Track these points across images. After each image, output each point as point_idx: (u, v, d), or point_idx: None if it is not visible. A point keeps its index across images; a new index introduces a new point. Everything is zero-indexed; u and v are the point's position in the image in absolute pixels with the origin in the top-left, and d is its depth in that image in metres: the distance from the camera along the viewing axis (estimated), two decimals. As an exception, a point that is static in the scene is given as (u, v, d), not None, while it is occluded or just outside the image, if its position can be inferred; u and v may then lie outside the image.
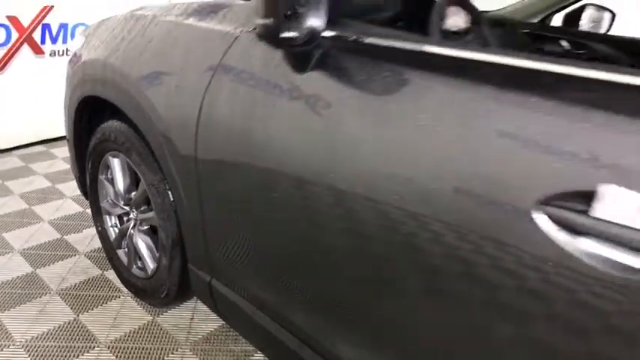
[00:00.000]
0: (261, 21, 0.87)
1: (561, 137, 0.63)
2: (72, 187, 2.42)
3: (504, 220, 0.66)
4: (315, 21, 0.89)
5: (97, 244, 1.91)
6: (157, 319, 1.63)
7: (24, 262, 1.88)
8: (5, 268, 1.83)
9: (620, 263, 0.58)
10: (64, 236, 2.07)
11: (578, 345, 0.63)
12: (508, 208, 0.66)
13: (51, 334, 1.52)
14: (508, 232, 0.66)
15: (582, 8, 2.11)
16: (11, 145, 2.95)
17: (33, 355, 1.43)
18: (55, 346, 1.47)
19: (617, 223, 0.57)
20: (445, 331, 0.79)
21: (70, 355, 1.45)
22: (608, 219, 0.58)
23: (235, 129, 1.07)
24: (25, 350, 1.45)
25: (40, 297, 1.70)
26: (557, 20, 2.21)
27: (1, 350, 1.45)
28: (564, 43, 1.86)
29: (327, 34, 0.92)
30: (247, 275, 1.19)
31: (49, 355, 1.44)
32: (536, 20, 2.10)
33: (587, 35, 1.91)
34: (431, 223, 0.74)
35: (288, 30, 0.87)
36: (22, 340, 1.50)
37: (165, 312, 1.66)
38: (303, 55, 0.93)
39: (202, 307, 1.68)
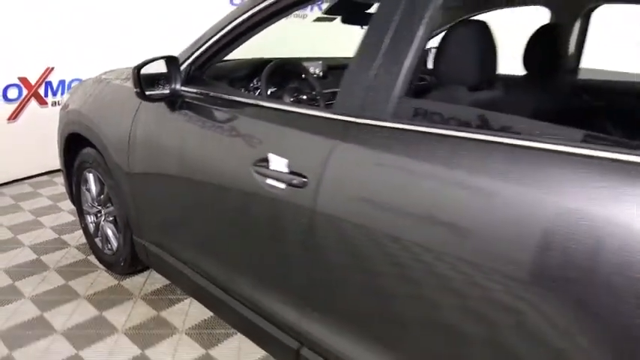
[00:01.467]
0: (134, 89, 1.65)
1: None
2: (68, 204, 3.20)
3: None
4: (176, 85, 1.67)
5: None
6: None
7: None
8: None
9: (273, 185, 1.33)
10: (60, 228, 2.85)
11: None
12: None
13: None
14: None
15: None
16: (23, 176, 3.77)
17: None
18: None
19: (274, 170, 1.33)
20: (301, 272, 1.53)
21: None
22: (272, 168, 1.33)
23: (146, 145, 1.85)
24: None
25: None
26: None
27: None
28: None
29: (185, 89, 1.70)
30: (166, 237, 1.95)
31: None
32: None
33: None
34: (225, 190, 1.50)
35: (160, 91, 1.65)
36: None
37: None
38: (172, 102, 1.72)
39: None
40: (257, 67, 2.07)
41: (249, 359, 1.89)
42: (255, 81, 2.09)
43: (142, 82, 1.60)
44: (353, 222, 1.17)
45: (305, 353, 1.39)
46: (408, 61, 1.13)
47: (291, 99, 2.02)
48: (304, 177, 1.25)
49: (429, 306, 1.06)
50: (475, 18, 1.58)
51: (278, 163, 1.31)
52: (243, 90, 2.06)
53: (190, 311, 2.18)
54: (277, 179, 1.31)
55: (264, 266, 1.49)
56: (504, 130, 1.01)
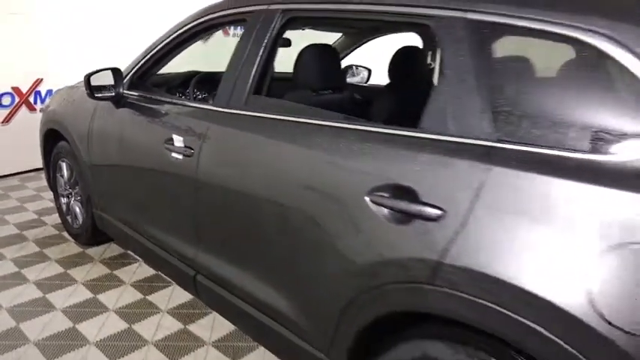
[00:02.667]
0: (86, 91, 2.24)
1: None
2: (49, 194, 3.75)
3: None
4: (120, 88, 2.25)
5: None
6: None
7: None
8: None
9: (174, 156, 1.90)
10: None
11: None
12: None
13: None
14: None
15: (348, 67, 3.49)
16: (14, 172, 4.35)
17: None
18: None
19: (176, 145, 1.90)
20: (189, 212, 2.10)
21: None
22: (174, 145, 1.90)
23: (99, 136, 2.43)
24: None
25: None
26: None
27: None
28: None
29: (128, 92, 2.29)
30: (112, 205, 2.51)
31: None
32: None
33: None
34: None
35: (108, 93, 2.24)
36: None
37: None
38: (118, 101, 2.30)
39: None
40: (191, 77, 2.67)
41: (179, 300, 2.44)
42: (191, 88, 2.67)
43: (92, 86, 2.19)
44: (222, 180, 1.73)
45: (199, 278, 1.94)
46: (255, 72, 1.71)
47: (211, 100, 2.60)
48: (192, 149, 1.82)
49: (272, 238, 1.58)
50: (321, 42, 2.15)
51: (178, 141, 1.88)
52: (179, 94, 2.65)
53: (138, 270, 2.73)
54: (177, 152, 1.88)
55: (171, 216, 2.05)
56: (315, 117, 1.53)
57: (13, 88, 4.25)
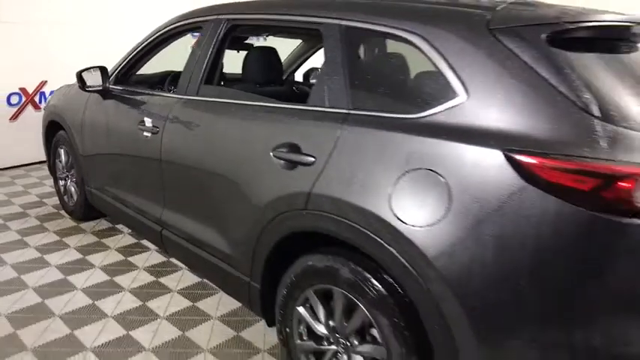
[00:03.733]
0: (78, 84, 2.75)
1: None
2: (51, 182, 4.25)
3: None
4: (106, 83, 2.76)
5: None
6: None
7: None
8: (10, 209, 3.66)
9: (145, 135, 2.39)
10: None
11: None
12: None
13: None
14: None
15: (311, 70, 3.98)
16: (20, 163, 4.87)
17: None
18: None
19: (146, 126, 2.39)
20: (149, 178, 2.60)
21: None
22: (145, 125, 2.40)
23: (90, 123, 2.93)
24: None
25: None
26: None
27: None
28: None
29: (113, 86, 2.79)
30: (99, 181, 3.01)
31: None
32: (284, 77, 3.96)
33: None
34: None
35: (96, 87, 2.74)
36: None
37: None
38: (105, 93, 2.80)
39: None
40: (168, 75, 3.17)
41: (154, 260, 2.92)
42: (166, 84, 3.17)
43: (83, 80, 2.70)
44: (179, 151, 2.22)
45: (164, 233, 2.42)
46: (205, 67, 2.21)
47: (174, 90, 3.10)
48: (157, 128, 2.31)
49: (212, 192, 2.06)
50: (264, 45, 2.64)
51: (148, 122, 2.38)
52: (157, 89, 3.14)
53: (122, 239, 3.21)
54: (146, 131, 2.38)
55: (143, 184, 2.54)
56: (244, 100, 2.03)
57: (20, 88, 4.78)
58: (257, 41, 6.12)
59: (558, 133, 1.20)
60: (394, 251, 1.37)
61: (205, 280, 2.67)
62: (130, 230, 3.33)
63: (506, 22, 1.38)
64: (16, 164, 4.87)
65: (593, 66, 1.33)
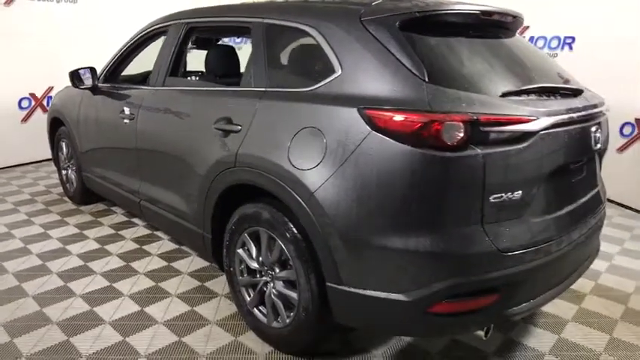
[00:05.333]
0: (70, 83, 3.25)
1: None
2: (57, 176, 4.76)
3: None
4: (95, 81, 3.25)
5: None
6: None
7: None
8: (20, 197, 4.19)
9: (125, 121, 2.87)
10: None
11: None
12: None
13: None
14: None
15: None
16: (29, 161, 5.41)
17: None
18: None
19: (125, 114, 2.87)
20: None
21: None
22: (125, 113, 2.87)
23: (83, 117, 3.43)
24: None
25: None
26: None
27: None
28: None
29: (101, 84, 3.28)
30: (91, 165, 3.49)
31: None
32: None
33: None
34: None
35: (87, 84, 3.24)
36: None
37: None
38: (94, 90, 3.30)
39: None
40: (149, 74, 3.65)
41: (140, 233, 3.39)
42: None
43: (75, 79, 3.19)
44: (150, 132, 2.69)
45: (142, 203, 2.89)
46: (169, 63, 2.68)
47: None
48: (133, 114, 2.79)
49: (174, 162, 2.51)
50: (224, 43, 3.11)
51: (126, 110, 2.86)
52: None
53: (115, 218, 3.70)
54: (125, 118, 2.86)
55: (124, 163, 3.01)
56: (198, 86, 2.50)
57: (30, 93, 5.33)
58: (244, 44, 6.58)
59: (398, 93, 1.63)
60: (291, 191, 1.81)
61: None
62: (122, 211, 3.82)
63: (373, 13, 1.82)
64: (27, 161, 5.42)
65: (433, 44, 1.76)
